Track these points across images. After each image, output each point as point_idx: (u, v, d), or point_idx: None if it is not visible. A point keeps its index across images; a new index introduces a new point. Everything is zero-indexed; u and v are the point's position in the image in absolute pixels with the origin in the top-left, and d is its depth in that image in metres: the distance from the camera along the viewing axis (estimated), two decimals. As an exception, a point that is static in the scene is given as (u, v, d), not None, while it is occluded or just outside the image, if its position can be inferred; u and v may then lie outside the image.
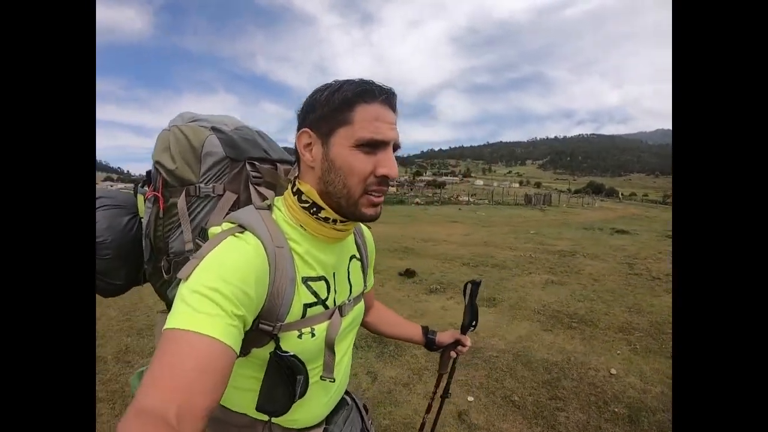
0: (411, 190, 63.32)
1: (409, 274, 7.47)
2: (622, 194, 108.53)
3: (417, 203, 34.92)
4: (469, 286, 1.46)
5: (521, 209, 33.37)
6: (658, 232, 18.08)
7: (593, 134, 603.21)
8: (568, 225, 19.13)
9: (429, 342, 1.44)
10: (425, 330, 1.46)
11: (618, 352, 4.44)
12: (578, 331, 4.98)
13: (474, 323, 1.45)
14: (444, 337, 1.46)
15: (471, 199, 45.03)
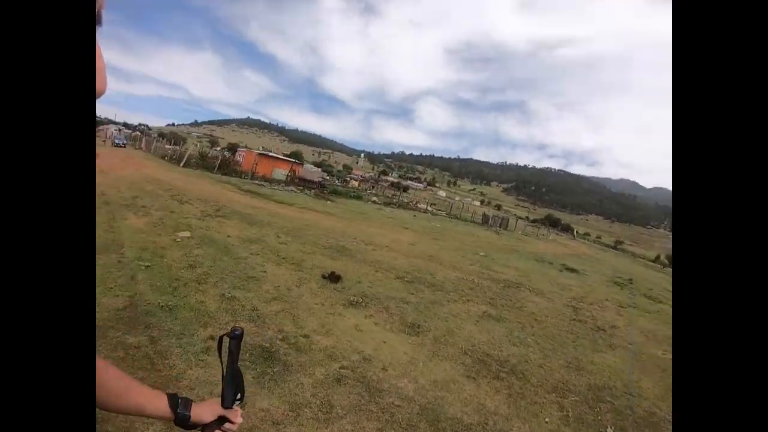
0: (373, 188, 62.55)
1: (333, 278, 6.55)
2: (577, 232, 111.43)
3: (374, 202, 34.06)
4: (226, 340, 1.04)
5: (477, 228, 32.94)
6: (606, 276, 18.00)
7: (561, 170, 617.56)
8: (519, 253, 18.73)
9: (181, 419, 0.99)
10: (174, 401, 1.00)
11: (547, 419, 3.70)
12: (506, 384, 4.20)
13: (239, 396, 1.05)
14: (202, 411, 1.03)
15: (429, 208, 44.47)
